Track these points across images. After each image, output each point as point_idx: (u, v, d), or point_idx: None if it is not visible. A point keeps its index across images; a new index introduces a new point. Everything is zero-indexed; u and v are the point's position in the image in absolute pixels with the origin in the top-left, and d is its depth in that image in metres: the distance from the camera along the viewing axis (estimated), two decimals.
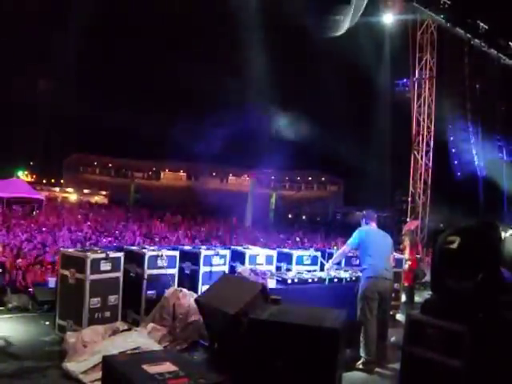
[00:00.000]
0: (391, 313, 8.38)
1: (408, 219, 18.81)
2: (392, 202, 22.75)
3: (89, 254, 6.91)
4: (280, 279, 6.96)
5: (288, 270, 8.74)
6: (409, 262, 11.46)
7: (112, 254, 7.17)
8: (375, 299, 6.61)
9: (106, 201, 52.64)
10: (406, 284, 11.23)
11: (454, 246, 4.34)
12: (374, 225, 7.13)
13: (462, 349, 4.14)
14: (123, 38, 37.19)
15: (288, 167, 51.28)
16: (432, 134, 19.00)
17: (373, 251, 6.74)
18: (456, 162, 20.73)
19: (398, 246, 17.52)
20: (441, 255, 4.49)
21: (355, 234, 6.93)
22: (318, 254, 9.45)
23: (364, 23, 17.21)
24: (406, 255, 11.61)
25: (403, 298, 10.88)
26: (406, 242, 12.00)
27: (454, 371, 4.12)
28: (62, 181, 60.83)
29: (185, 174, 67.62)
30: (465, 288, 4.26)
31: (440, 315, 4.38)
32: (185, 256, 8.17)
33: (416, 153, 18.98)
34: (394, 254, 7.17)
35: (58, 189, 56.88)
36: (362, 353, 6.43)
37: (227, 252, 8.71)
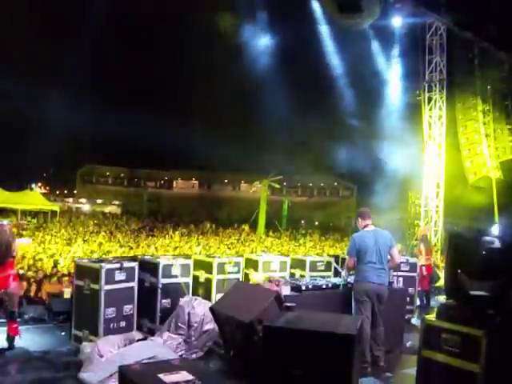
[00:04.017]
0: (406, 317, 8.33)
1: (421, 222, 18.71)
2: (405, 205, 22.64)
3: (103, 264, 6.94)
4: (294, 286, 6.94)
5: (302, 276, 8.74)
6: (424, 268, 11.40)
7: (126, 264, 7.19)
8: (366, 301, 6.59)
9: (118, 211, 52.94)
10: (421, 289, 11.18)
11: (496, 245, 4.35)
12: (369, 224, 6.95)
13: (478, 353, 4.11)
14: (136, 49, 37.49)
15: (300, 173, 51.34)
16: (443, 136, 18.91)
17: (361, 255, 6.70)
18: (468, 164, 20.59)
19: (411, 249, 17.50)
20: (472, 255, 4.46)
21: (350, 243, 6.89)
22: (332, 259, 9.43)
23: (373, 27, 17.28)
24: (422, 261, 11.55)
25: (418, 302, 10.82)
26: (422, 248, 11.93)
27: (471, 376, 4.09)
28: (75, 192, 61.23)
29: (197, 182, 67.76)
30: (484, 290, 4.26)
31: (456, 320, 4.35)
32: (198, 264, 8.20)
33: (428, 155, 18.90)
34: (395, 251, 7.00)
35: (71, 200, 57.32)
36: None
37: (241, 259, 8.72)
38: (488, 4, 14.40)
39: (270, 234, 32.26)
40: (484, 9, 14.34)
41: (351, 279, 7.03)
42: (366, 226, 6.91)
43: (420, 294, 11.15)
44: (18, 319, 7.49)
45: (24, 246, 6.96)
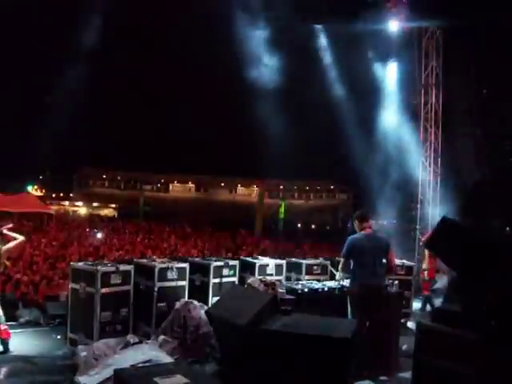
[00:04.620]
0: (402, 320, 8.33)
1: (418, 226, 18.69)
2: (401, 209, 22.63)
3: (99, 267, 6.94)
4: (290, 289, 6.93)
5: (298, 279, 8.74)
6: (426, 272, 11.31)
7: (122, 267, 7.20)
8: (361, 305, 6.60)
9: (115, 214, 52.87)
10: (423, 293, 11.19)
11: None
12: (366, 227, 6.93)
13: (474, 357, 4.12)
14: (136, 50, 37.47)
15: (297, 176, 51.30)
16: (440, 140, 18.92)
17: (358, 259, 6.70)
18: (463, 168, 20.59)
19: (408, 253, 17.48)
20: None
21: (346, 245, 6.88)
22: (328, 262, 9.43)
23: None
24: (425, 265, 11.47)
25: (415, 306, 10.82)
26: (426, 252, 11.75)
27: (466, 379, 4.10)
28: (71, 194, 61.12)
29: (193, 185, 67.68)
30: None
31: (451, 323, 4.36)
32: (195, 268, 8.18)
33: (424, 159, 18.90)
34: (391, 255, 7.01)
35: (67, 203, 57.21)
36: None
37: (237, 263, 8.72)
38: (485, 8, 14.44)
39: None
40: (480, 13, 14.39)
41: (347, 283, 7.03)
42: (363, 229, 6.90)
43: (423, 298, 11.15)
44: (13, 322, 7.49)
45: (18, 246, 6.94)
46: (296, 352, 4.66)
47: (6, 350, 6.70)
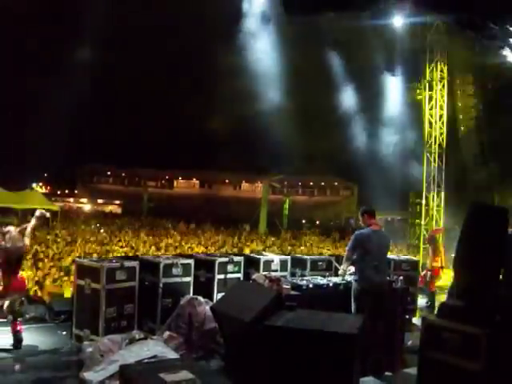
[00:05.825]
0: (407, 316, 8.32)
1: (422, 222, 18.67)
2: (406, 204, 22.62)
3: (104, 263, 6.95)
4: (295, 285, 6.93)
5: (302, 275, 8.74)
6: (430, 272, 11.27)
7: (127, 264, 7.20)
8: (366, 300, 6.59)
9: (119, 210, 53.00)
10: (429, 290, 11.18)
11: None
12: (373, 223, 6.95)
13: (480, 352, 4.10)
14: (139, 50, 37.48)
15: (301, 173, 51.32)
16: (444, 135, 18.88)
17: (364, 254, 6.70)
18: (469, 163, 20.59)
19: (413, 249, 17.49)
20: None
21: (352, 238, 6.91)
22: (332, 258, 9.43)
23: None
24: (429, 262, 11.45)
25: (420, 302, 10.80)
26: (429, 250, 11.76)
27: (473, 374, 4.08)
28: (75, 191, 61.25)
29: (198, 181, 67.71)
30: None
31: (457, 318, 4.34)
32: (199, 264, 8.18)
33: (429, 154, 18.86)
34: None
35: (72, 199, 57.38)
36: None
37: (241, 259, 8.72)
38: (490, 2, 14.36)
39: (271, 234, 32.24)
40: (486, 7, 14.30)
41: (351, 278, 7.03)
42: (370, 225, 6.90)
43: (429, 295, 11.14)
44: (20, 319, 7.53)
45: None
46: (301, 348, 4.65)
47: (18, 344, 6.74)
